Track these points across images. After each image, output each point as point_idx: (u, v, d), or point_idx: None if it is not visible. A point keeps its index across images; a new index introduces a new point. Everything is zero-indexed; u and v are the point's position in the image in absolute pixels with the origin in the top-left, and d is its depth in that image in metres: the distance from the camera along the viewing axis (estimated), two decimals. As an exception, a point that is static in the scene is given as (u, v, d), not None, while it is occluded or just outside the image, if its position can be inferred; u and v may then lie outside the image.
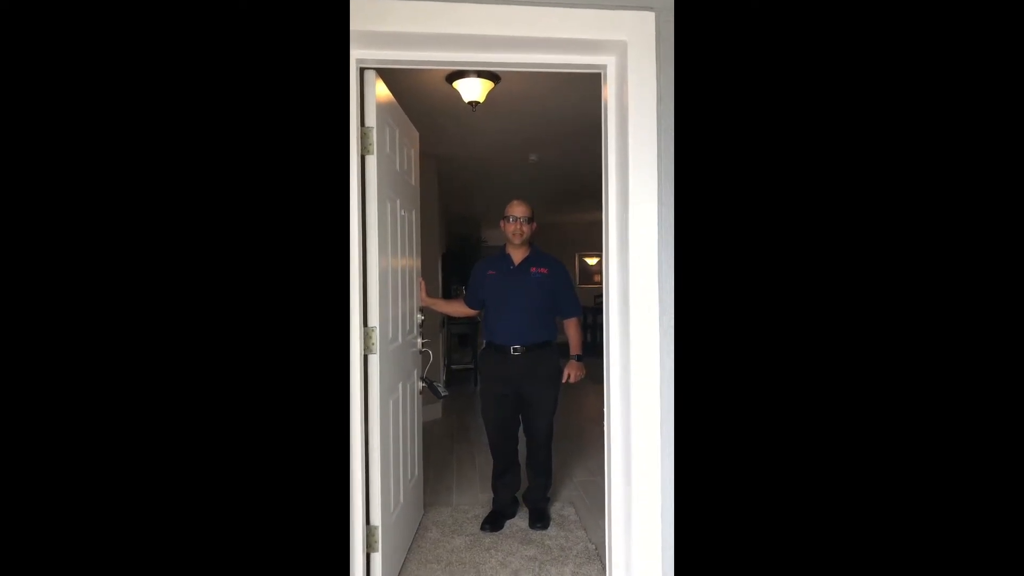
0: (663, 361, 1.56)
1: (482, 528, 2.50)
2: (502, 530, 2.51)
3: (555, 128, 3.79)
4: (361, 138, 1.77)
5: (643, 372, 1.57)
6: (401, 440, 2.13)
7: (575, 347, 2.54)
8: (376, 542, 1.82)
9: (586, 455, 3.50)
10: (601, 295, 1.81)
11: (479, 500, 2.83)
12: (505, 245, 2.58)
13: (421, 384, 2.45)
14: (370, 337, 1.81)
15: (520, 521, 2.59)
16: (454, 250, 6.93)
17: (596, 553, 2.28)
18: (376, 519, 1.82)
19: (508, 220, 2.50)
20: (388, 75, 1.94)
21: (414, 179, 2.42)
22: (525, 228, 2.48)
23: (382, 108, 1.87)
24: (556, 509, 2.72)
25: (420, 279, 2.52)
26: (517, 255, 2.54)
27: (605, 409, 1.77)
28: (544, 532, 2.48)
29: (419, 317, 2.46)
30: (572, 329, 2.57)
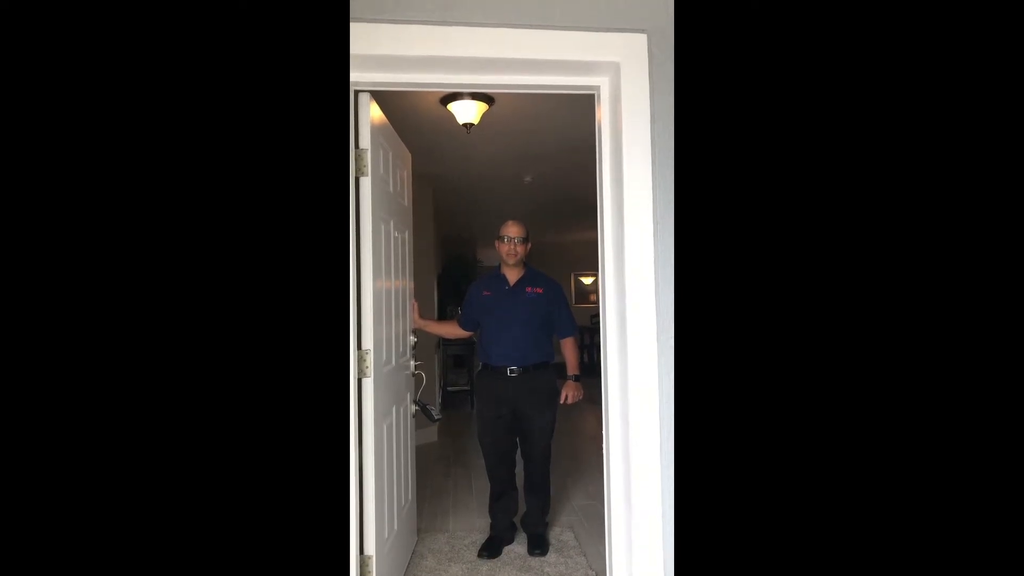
0: (661, 380, 1.54)
1: (479, 555, 2.44)
2: (500, 557, 2.45)
3: (549, 149, 3.81)
4: (355, 160, 1.76)
5: (642, 392, 1.54)
6: (395, 465, 2.09)
7: (572, 367, 2.52)
8: (370, 572, 1.77)
9: (585, 478, 3.45)
10: (598, 315, 1.80)
11: (476, 526, 2.77)
12: (500, 265, 2.57)
13: (414, 407, 2.41)
14: (364, 360, 1.79)
15: (518, 547, 2.53)
16: (450, 271, 6.92)
17: (596, 580, 2.23)
18: (370, 548, 1.77)
19: (502, 240, 2.49)
20: (381, 97, 1.94)
21: (407, 200, 2.41)
22: (519, 248, 2.47)
23: (376, 130, 1.87)
24: (555, 534, 2.66)
25: (413, 300, 2.50)
26: (512, 275, 2.52)
27: (604, 431, 1.74)
28: (543, 559, 2.43)
29: (412, 339, 2.43)
30: (569, 349, 2.55)
